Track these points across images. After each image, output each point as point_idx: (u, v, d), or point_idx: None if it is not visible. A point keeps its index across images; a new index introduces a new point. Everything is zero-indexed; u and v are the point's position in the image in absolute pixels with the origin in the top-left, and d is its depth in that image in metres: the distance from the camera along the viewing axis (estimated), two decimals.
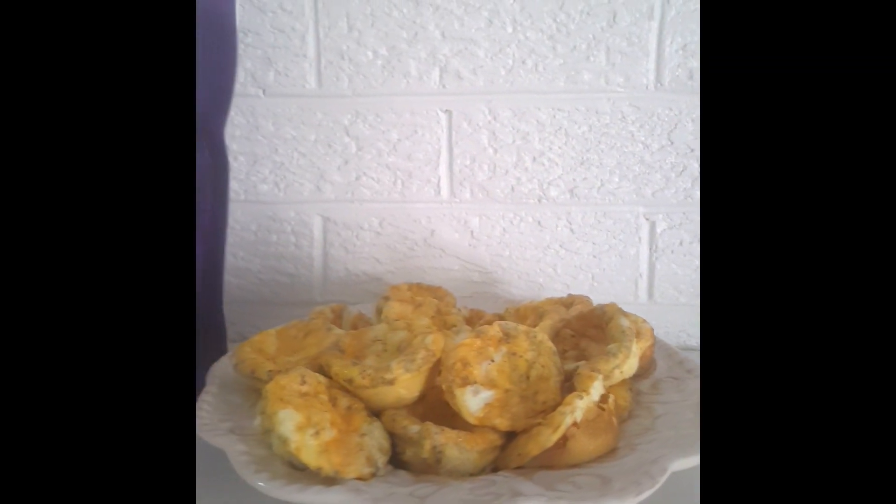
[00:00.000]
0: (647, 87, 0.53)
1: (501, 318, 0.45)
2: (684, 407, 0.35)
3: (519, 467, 0.31)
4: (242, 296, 0.57)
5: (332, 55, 0.53)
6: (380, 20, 0.53)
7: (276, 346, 0.38)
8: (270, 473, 0.28)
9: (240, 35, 0.53)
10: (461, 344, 0.33)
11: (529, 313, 0.44)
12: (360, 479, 0.28)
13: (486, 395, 0.32)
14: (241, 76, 0.54)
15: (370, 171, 0.55)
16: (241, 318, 0.57)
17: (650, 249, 0.55)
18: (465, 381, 0.32)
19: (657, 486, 0.27)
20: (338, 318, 0.44)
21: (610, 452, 0.31)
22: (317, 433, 0.28)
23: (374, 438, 0.30)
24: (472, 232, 0.56)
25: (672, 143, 0.53)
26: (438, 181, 0.55)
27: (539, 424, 0.30)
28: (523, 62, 0.53)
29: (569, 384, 0.34)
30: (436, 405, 0.34)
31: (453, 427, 0.31)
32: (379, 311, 0.47)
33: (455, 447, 0.30)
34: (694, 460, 0.29)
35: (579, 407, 0.31)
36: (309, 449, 0.28)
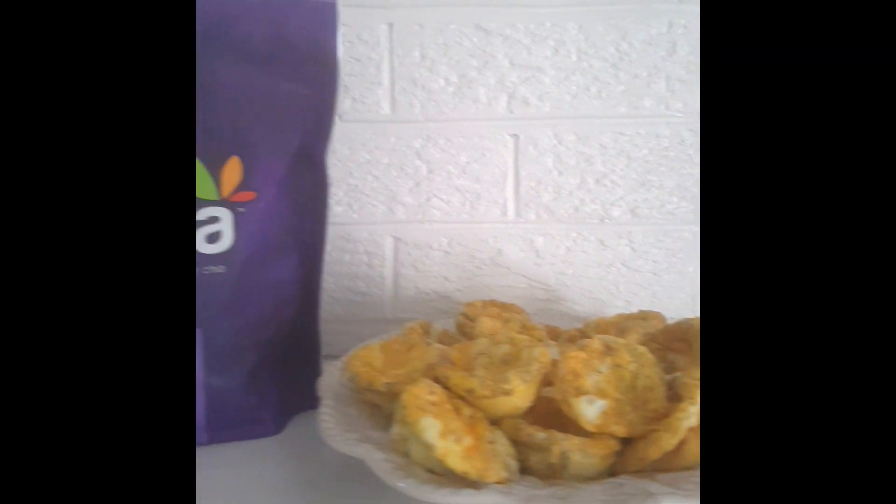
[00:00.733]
0: None
1: (582, 332, 0.47)
2: None
3: (637, 471, 0.32)
4: None
5: (405, 83, 0.56)
6: (452, 49, 0.55)
7: (383, 360, 0.40)
8: (417, 479, 0.29)
9: None
10: (570, 356, 0.35)
11: (610, 328, 0.46)
12: (499, 483, 0.30)
13: (601, 403, 0.34)
14: None
15: (440, 192, 0.57)
16: None
17: None
18: (579, 392, 0.34)
19: None
20: (426, 334, 0.46)
21: None
22: (458, 439, 0.30)
23: (503, 445, 0.32)
24: (537, 251, 0.58)
25: None
26: (505, 202, 0.57)
27: (656, 430, 0.32)
28: (587, 89, 0.56)
29: (670, 393, 0.36)
30: (542, 414, 0.35)
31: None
32: (459, 328, 0.49)
33: (580, 452, 0.32)
34: None
35: (693, 413, 0.32)
36: (454, 454, 0.29)
